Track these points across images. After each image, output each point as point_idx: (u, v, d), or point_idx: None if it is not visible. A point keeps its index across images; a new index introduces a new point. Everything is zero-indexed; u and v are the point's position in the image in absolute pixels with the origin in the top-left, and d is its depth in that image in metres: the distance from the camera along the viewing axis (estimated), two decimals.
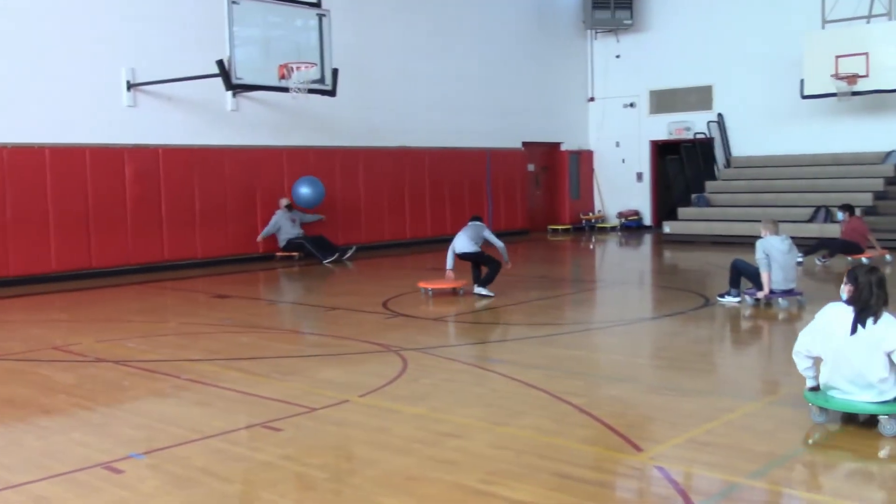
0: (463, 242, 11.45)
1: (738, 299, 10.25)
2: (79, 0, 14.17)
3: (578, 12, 23.46)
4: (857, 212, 15.44)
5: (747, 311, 9.94)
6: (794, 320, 9.33)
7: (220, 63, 13.13)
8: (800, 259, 12.38)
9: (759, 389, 6.74)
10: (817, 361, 5.48)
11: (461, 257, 11.48)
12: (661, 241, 19.78)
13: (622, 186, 23.79)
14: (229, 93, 15.30)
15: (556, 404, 6.06)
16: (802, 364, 5.53)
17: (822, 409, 5.40)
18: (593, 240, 21.25)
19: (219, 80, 13.41)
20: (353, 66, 16.62)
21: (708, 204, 20.39)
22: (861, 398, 5.26)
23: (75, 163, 14.08)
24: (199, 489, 4.57)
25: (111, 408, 6.28)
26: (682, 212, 20.48)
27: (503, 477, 4.61)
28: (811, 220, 17.93)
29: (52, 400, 6.52)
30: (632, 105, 23.48)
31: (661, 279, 14.73)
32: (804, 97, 19.18)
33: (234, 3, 13.10)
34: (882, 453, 5.00)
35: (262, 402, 6.32)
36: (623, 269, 16.40)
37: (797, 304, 10.03)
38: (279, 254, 16.58)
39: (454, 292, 11.44)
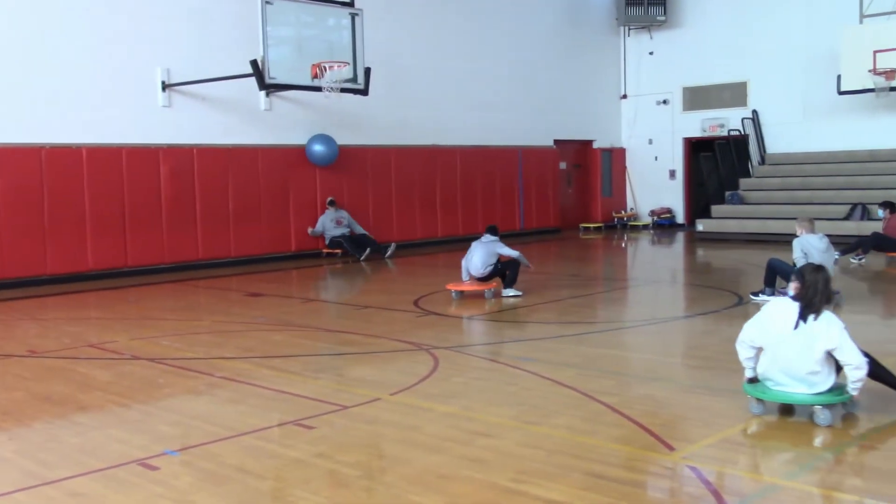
0: (476, 266, 11.11)
1: (772, 298, 10.13)
2: (114, 1, 14.35)
3: (611, 9, 23.34)
4: None
5: None
6: None
7: (253, 63, 13.23)
8: (836, 257, 12.23)
9: None
10: (759, 353, 5.66)
11: (477, 279, 11.21)
12: (694, 240, 19.62)
13: (655, 184, 23.60)
14: (263, 92, 15.42)
15: (588, 403, 6.04)
16: (744, 354, 5.73)
17: (759, 401, 5.60)
18: (625, 238, 21.12)
19: (252, 79, 13.50)
20: (385, 64, 16.67)
21: (742, 202, 20.19)
22: (796, 390, 5.46)
23: (111, 162, 14.25)
24: (233, 486, 4.61)
25: (147, 405, 6.35)
26: (716, 209, 20.30)
27: (535, 476, 4.61)
28: (847, 217, 17.69)
29: (88, 397, 6.61)
30: (665, 102, 23.29)
31: (693, 277, 14.62)
32: (841, 93, 18.90)
33: (267, 3, 13.19)
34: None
35: (294, 400, 6.36)
36: (655, 267, 16.28)
37: (834, 303, 9.88)
38: (325, 251, 16.93)
39: (484, 295, 11.22)
